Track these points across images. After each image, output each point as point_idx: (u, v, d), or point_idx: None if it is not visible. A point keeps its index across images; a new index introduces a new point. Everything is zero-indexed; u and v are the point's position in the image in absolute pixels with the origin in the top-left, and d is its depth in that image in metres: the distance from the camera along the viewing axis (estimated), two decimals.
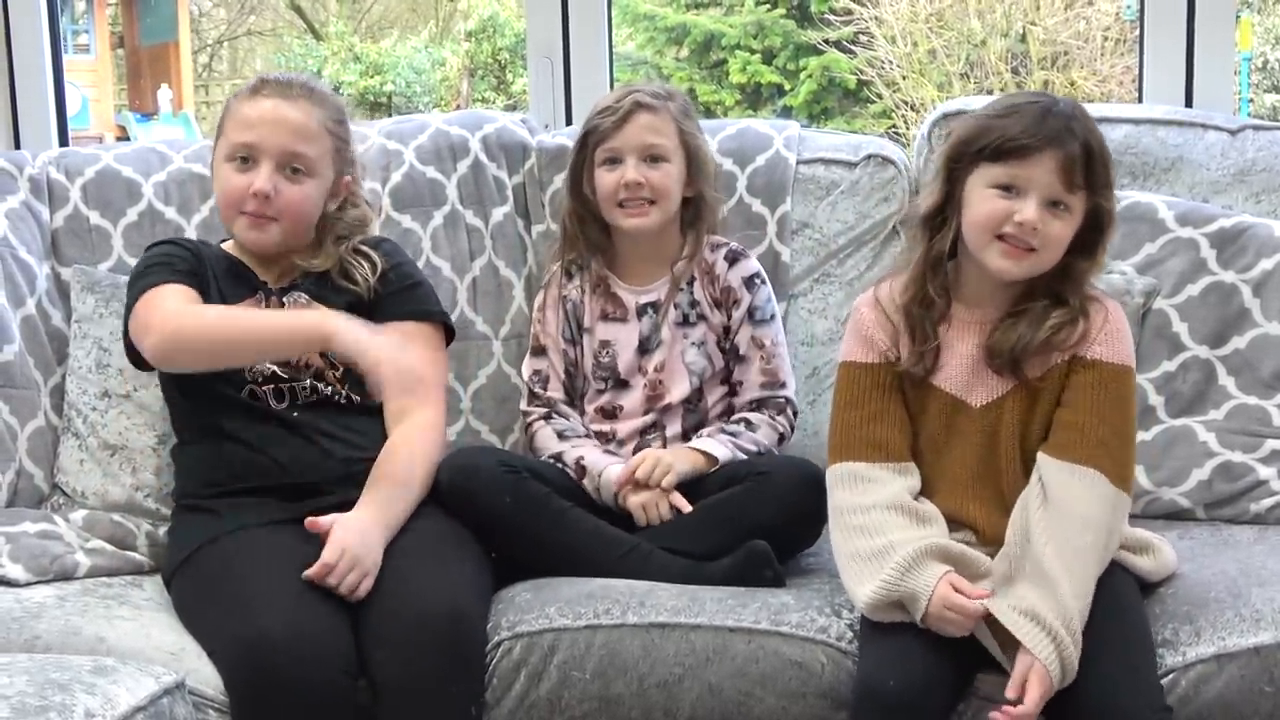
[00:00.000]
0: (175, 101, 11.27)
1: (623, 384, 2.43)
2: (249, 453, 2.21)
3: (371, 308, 2.33)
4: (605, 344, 2.44)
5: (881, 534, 1.96)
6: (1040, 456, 1.98)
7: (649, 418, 2.41)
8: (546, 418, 2.45)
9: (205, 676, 1.94)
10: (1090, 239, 1.99)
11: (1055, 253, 1.97)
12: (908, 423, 2.06)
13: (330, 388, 2.29)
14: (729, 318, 2.43)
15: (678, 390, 2.41)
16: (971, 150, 1.98)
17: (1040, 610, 1.85)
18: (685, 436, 2.40)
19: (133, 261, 2.62)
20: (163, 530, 2.35)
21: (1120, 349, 2.00)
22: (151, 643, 2.00)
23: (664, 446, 2.39)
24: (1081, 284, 2.01)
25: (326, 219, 2.37)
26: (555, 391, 2.46)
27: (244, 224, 2.31)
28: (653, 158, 2.39)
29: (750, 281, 2.43)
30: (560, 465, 2.36)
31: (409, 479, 2.19)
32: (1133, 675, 1.85)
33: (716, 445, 2.32)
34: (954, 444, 2.04)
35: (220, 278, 2.33)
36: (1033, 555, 1.91)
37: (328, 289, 2.33)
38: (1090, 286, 2.04)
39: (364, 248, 2.38)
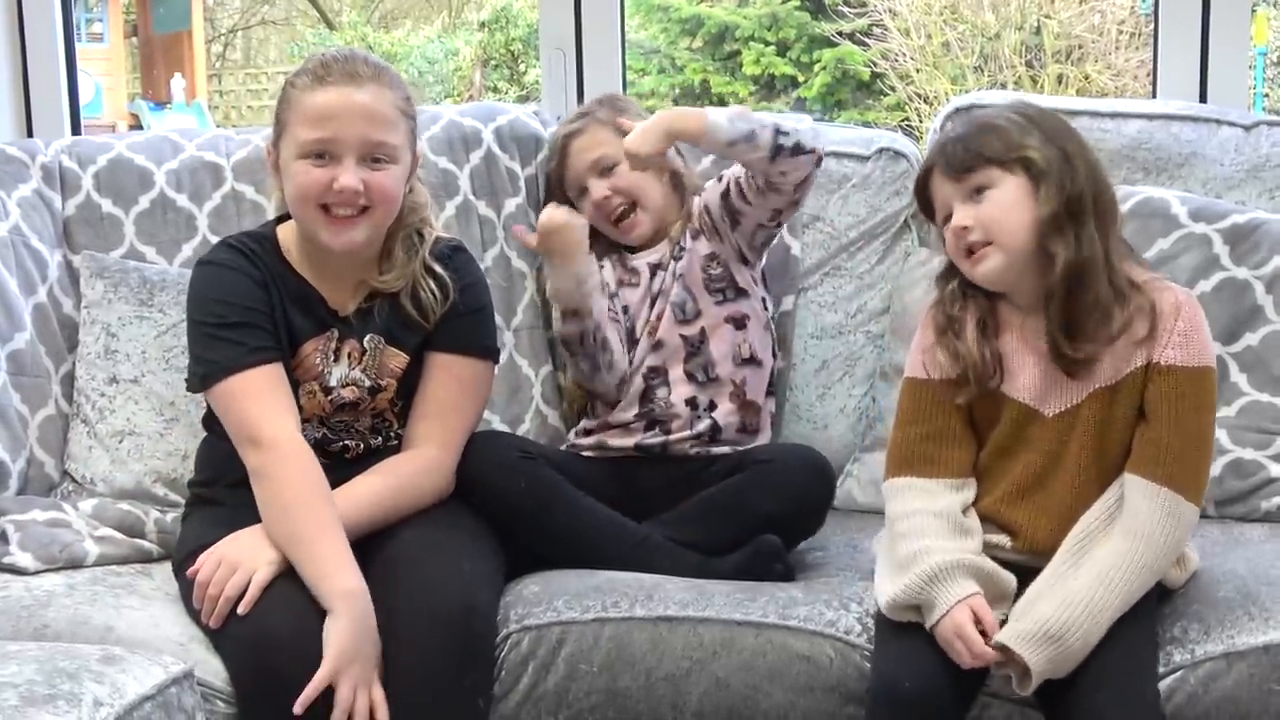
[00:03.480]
0: (189, 90, 11.27)
1: (634, 340, 2.44)
2: None
3: (429, 337, 2.24)
4: (624, 308, 2.46)
5: (918, 539, 1.95)
6: (1125, 475, 1.96)
7: (652, 359, 2.41)
8: None
9: (213, 667, 1.94)
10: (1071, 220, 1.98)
11: (1007, 229, 1.95)
12: (970, 439, 2.04)
13: (380, 437, 2.25)
14: (714, 230, 2.42)
15: (664, 324, 2.41)
16: (925, 212, 2.08)
17: (1051, 619, 1.85)
18: (689, 378, 2.39)
19: (144, 249, 2.64)
20: (171, 516, 2.36)
21: (1196, 349, 1.95)
22: (160, 632, 2.00)
23: (668, 394, 2.39)
24: (1059, 227, 1.95)
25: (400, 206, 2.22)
26: None
27: (326, 226, 2.13)
28: (605, 169, 2.45)
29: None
30: (563, 314, 2.38)
31: (364, 513, 2.11)
32: (1131, 688, 1.85)
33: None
34: (1021, 451, 2.01)
35: (289, 303, 2.18)
36: (1088, 558, 1.91)
37: (399, 324, 2.21)
38: (1155, 276, 2.02)
39: (435, 265, 2.23)
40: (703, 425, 2.39)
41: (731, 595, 2.05)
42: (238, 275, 2.17)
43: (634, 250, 2.49)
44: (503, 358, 2.59)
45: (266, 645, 1.91)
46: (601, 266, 2.47)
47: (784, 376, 2.61)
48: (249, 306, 2.15)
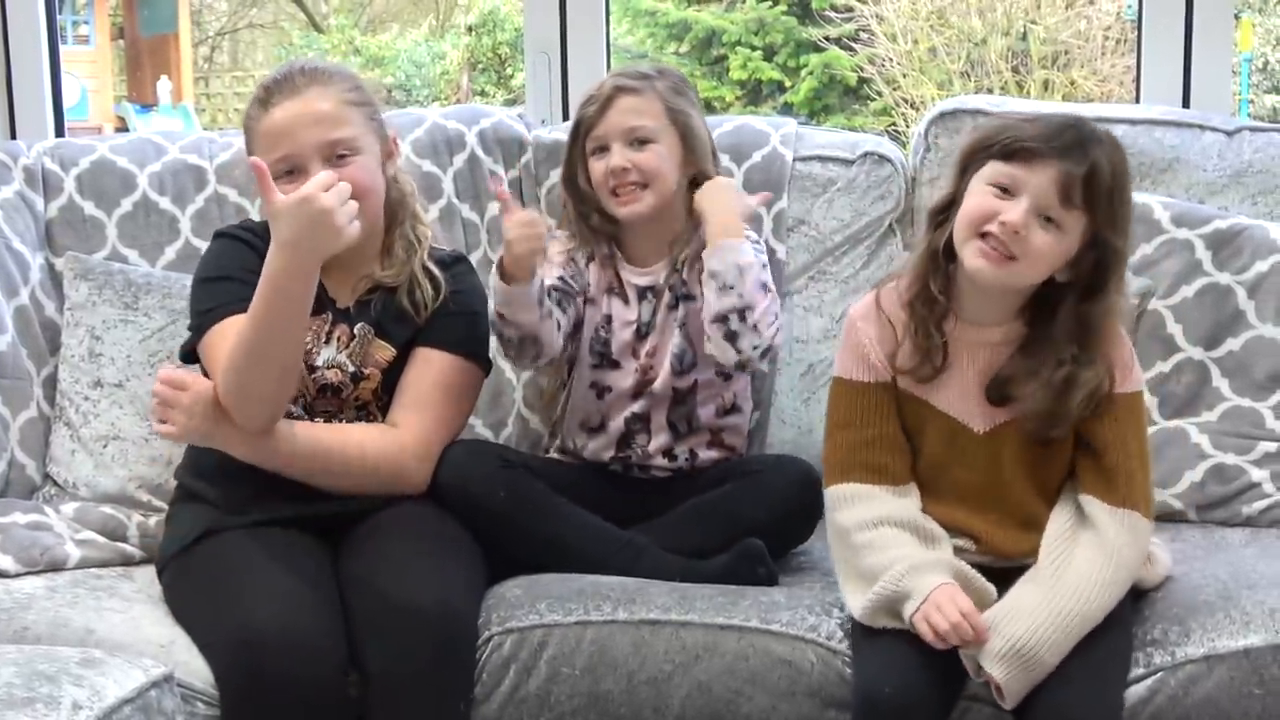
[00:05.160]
0: (175, 93, 11.24)
1: (614, 364, 2.39)
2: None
3: (420, 333, 2.27)
4: (607, 318, 2.39)
5: (889, 549, 1.94)
6: (1081, 496, 1.97)
7: (637, 406, 2.37)
8: None
9: (194, 669, 1.94)
10: (1095, 277, 1.93)
11: (1037, 267, 1.91)
12: (906, 445, 2.03)
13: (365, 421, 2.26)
14: None
15: (662, 374, 2.37)
16: (984, 146, 1.95)
17: (1023, 638, 1.85)
18: (671, 428, 2.37)
19: (126, 251, 2.63)
20: (154, 520, 2.35)
21: (1131, 376, 1.98)
22: (141, 635, 2.00)
23: (648, 441, 2.37)
24: (1104, 333, 1.95)
25: (388, 194, 2.28)
26: None
27: None
28: (639, 140, 2.33)
29: None
30: (496, 313, 2.25)
31: (313, 455, 2.16)
32: (1096, 691, 1.85)
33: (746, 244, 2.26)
34: (956, 465, 2.01)
35: None
36: (1061, 573, 1.91)
37: (391, 318, 2.26)
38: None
39: (432, 267, 2.28)
40: (681, 463, 2.38)
41: (714, 599, 2.05)
42: (241, 245, 2.25)
43: (629, 261, 2.40)
44: None
45: (253, 644, 1.90)
46: (587, 267, 2.40)
47: (769, 381, 2.61)
48: (249, 269, 2.18)
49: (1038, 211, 1.89)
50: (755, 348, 2.24)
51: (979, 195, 1.92)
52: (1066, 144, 1.89)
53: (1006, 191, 1.91)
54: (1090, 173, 1.88)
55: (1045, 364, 1.94)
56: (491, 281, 2.25)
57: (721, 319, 2.23)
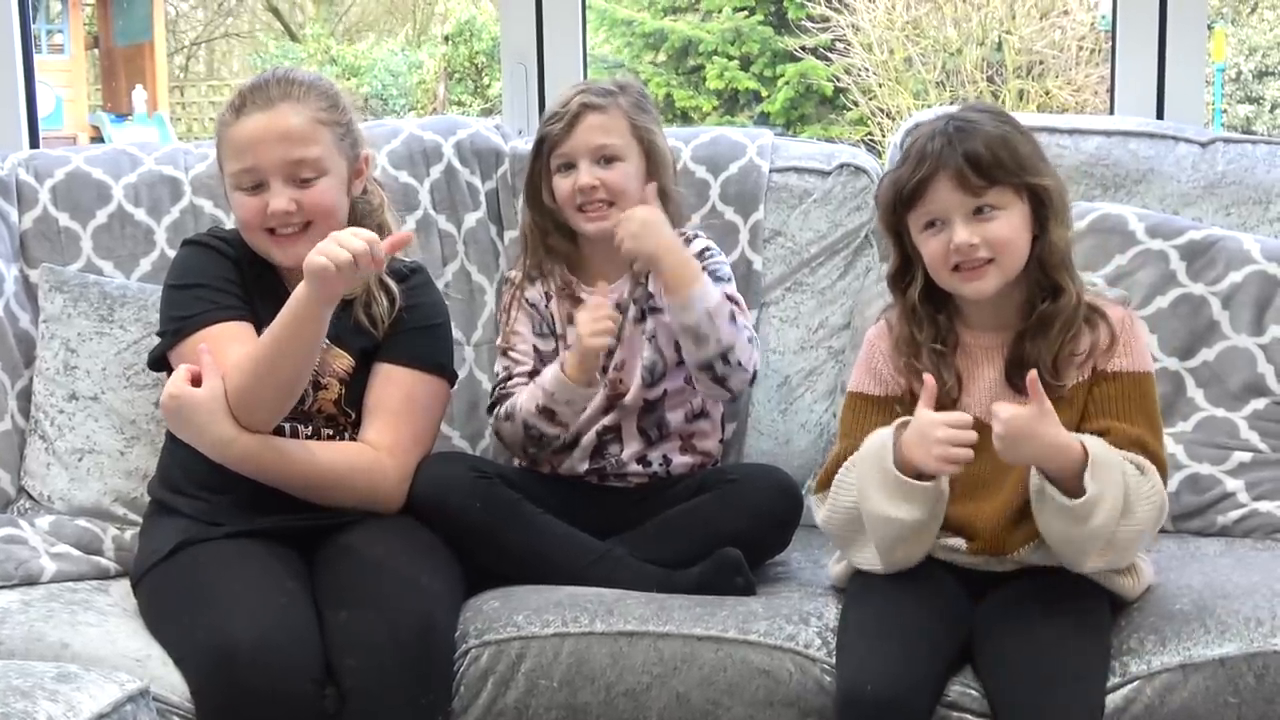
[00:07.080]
0: (150, 102, 11.23)
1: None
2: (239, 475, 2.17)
3: (379, 348, 2.27)
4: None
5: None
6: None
7: (608, 419, 2.38)
8: (508, 396, 2.39)
9: (170, 683, 1.93)
10: (1042, 217, 2.00)
11: (1014, 251, 1.98)
12: None
13: (331, 432, 2.25)
14: None
15: (633, 387, 2.38)
16: (891, 210, 2.03)
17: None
18: (642, 435, 2.38)
19: (101, 263, 2.62)
20: (129, 534, 2.34)
21: (1138, 356, 2.01)
22: (116, 649, 1.98)
23: (620, 450, 2.38)
24: (1062, 263, 2.00)
25: (355, 209, 2.29)
26: (521, 381, 2.40)
27: (275, 247, 2.22)
28: (606, 158, 2.35)
29: (700, 254, 2.38)
30: (542, 409, 2.30)
31: (290, 454, 2.16)
32: (1077, 694, 1.86)
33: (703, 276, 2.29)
34: (971, 461, 2.01)
35: (257, 292, 2.24)
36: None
37: (348, 330, 2.25)
38: (1091, 290, 2.06)
39: (388, 280, 2.27)
40: (655, 468, 2.39)
41: (691, 610, 2.05)
42: (214, 254, 2.26)
43: (588, 282, 2.40)
44: (462, 373, 2.58)
45: (229, 657, 1.89)
46: (548, 306, 2.41)
47: (745, 393, 2.61)
48: (226, 278, 2.23)
49: (971, 215, 1.96)
50: (744, 381, 2.31)
51: (925, 244, 2.01)
52: (936, 154, 1.97)
53: (936, 224, 1.99)
54: (968, 156, 1.95)
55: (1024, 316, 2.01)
56: (548, 383, 2.29)
57: (706, 367, 2.28)
